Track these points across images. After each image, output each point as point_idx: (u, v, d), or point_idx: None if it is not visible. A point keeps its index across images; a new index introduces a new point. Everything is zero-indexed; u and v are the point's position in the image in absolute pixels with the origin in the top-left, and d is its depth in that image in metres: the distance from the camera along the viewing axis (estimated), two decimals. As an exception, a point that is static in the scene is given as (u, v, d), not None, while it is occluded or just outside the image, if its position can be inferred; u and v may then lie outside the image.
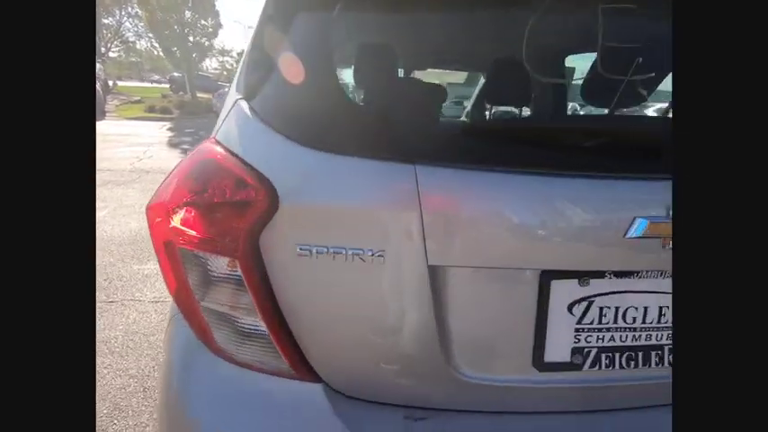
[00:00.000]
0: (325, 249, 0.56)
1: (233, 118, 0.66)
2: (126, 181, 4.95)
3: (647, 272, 0.62)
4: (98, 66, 17.68)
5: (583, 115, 2.14)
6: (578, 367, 0.64)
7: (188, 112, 14.52)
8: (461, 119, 2.59)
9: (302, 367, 0.63)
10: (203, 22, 16.00)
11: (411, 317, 0.60)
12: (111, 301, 2.25)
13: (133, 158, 6.32)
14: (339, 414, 0.61)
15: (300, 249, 0.57)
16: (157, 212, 0.61)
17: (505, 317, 0.63)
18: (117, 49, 29.56)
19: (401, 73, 2.15)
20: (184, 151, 7.54)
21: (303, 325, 0.61)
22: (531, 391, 0.65)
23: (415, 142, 0.59)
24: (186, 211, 0.59)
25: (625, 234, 0.56)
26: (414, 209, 0.56)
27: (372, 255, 0.56)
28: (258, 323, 0.61)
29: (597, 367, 0.64)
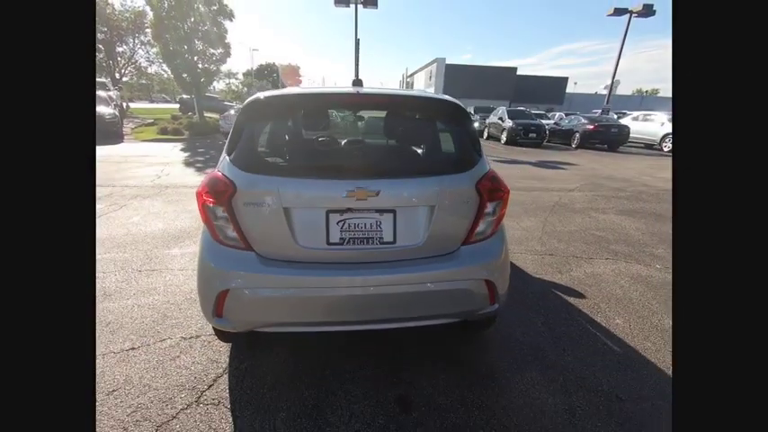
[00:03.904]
0: (253, 204, 1.79)
1: (224, 162, 1.90)
2: (151, 194, 6.01)
3: (362, 209, 1.83)
4: (116, 93, 18.95)
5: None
6: (342, 244, 1.85)
7: (197, 133, 15.42)
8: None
9: (248, 246, 1.85)
10: (213, 50, 16.40)
11: (280, 228, 1.82)
12: (153, 270, 3.49)
13: (153, 176, 7.46)
14: (260, 262, 1.83)
15: (245, 204, 1.79)
16: (199, 193, 1.85)
17: (315, 226, 1.84)
18: (129, 73, 31.10)
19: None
20: (198, 169, 8.57)
21: (248, 232, 1.83)
22: (326, 253, 1.86)
23: (274, 166, 1.86)
24: (208, 193, 1.82)
25: (345, 195, 1.78)
26: (275, 189, 1.78)
27: (268, 205, 1.79)
28: (233, 232, 1.83)
29: (350, 245, 1.85)
